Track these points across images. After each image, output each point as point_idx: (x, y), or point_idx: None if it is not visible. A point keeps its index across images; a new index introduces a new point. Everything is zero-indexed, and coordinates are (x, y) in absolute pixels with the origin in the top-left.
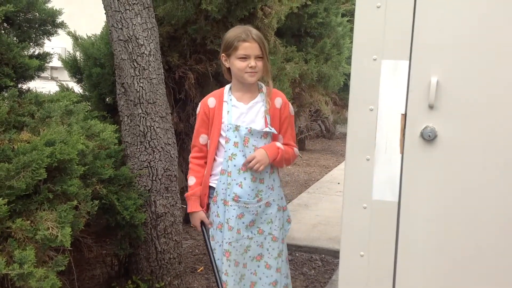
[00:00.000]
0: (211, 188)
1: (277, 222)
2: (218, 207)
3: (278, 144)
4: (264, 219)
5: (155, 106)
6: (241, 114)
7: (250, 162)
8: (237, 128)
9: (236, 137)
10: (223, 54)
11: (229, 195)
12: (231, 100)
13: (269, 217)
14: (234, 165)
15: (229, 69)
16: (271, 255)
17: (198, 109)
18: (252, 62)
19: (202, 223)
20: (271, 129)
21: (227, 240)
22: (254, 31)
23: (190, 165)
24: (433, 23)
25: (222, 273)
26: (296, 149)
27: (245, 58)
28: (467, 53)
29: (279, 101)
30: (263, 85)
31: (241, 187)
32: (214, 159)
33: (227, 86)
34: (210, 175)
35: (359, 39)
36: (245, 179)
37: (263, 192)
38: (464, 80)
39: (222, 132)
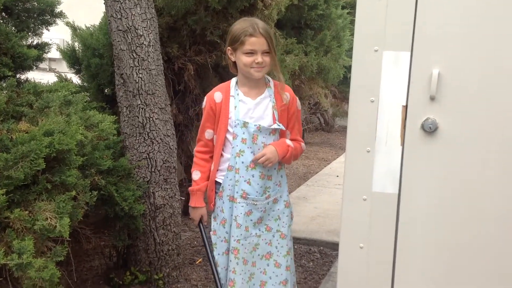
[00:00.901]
0: (217, 183)
1: (285, 218)
2: (223, 203)
3: (288, 141)
4: (271, 216)
5: (154, 97)
6: (248, 110)
7: (259, 158)
8: (245, 124)
9: (244, 133)
10: (228, 48)
11: (237, 192)
12: (238, 95)
13: (276, 213)
14: (242, 162)
15: (235, 62)
16: (280, 253)
17: (203, 103)
18: (259, 58)
19: (200, 219)
20: (279, 126)
21: (235, 238)
22: (261, 25)
23: (194, 159)
24: (435, 15)
25: (230, 270)
26: (303, 144)
27: (251, 53)
28: (468, 45)
29: (287, 96)
30: (270, 79)
31: (250, 184)
32: (221, 155)
33: (234, 80)
34: (217, 170)
35: (360, 30)
36: (253, 176)
37: (271, 189)
38: (465, 72)
39: (229, 128)
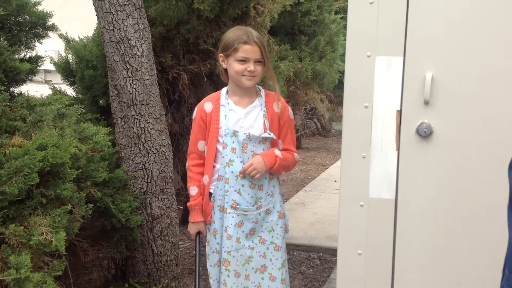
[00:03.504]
0: (211, 194)
1: (278, 230)
2: (214, 213)
3: (277, 151)
4: (265, 227)
5: (149, 107)
6: (239, 119)
7: (247, 169)
8: (235, 133)
9: (233, 142)
10: (221, 54)
11: (227, 202)
12: (228, 104)
13: (270, 225)
14: (232, 172)
15: (226, 70)
16: (275, 266)
17: (194, 114)
18: (251, 66)
19: (198, 233)
20: (270, 134)
21: (226, 249)
22: (255, 34)
23: (190, 174)
24: (427, 19)
25: (221, 283)
26: (296, 155)
27: (244, 61)
28: (461, 48)
29: (278, 104)
30: (261, 88)
31: (240, 194)
32: (213, 166)
33: (224, 89)
34: (210, 182)
35: (352, 36)
36: (243, 186)
37: (262, 199)
38: (459, 75)
39: (219, 138)
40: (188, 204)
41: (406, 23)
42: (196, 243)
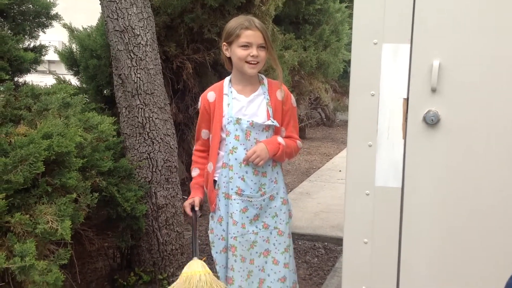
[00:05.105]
0: (216, 182)
1: (282, 215)
2: (219, 200)
3: (280, 139)
4: (268, 213)
5: (153, 96)
6: (242, 107)
7: (250, 157)
8: (238, 121)
9: (237, 130)
10: (224, 43)
11: (231, 189)
12: (231, 92)
13: (273, 210)
14: (236, 159)
15: (229, 59)
16: (278, 250)
17: (198, 103)
18: (254, 51)
19: (193, 208)
20: (273, 122)
21: (232, 235)
22: (257, 20)
23: (193, 157)
24: (434, 5)
25: (229, 268)
26: (299, 142)
27: (247, 46)
28: (469, 35)
29: (281, 92)
30: (264, 76)
31: (244, 181)
32: (218, 153)
33: (227, 79)
34: (214, 169)
35: (358, 23)
36: (247, 172)
37: (266, 186)
38: (466, 63)
39: (223, 126)
40: (190, 184)
41: (413, 10)
42: (193, 219)
